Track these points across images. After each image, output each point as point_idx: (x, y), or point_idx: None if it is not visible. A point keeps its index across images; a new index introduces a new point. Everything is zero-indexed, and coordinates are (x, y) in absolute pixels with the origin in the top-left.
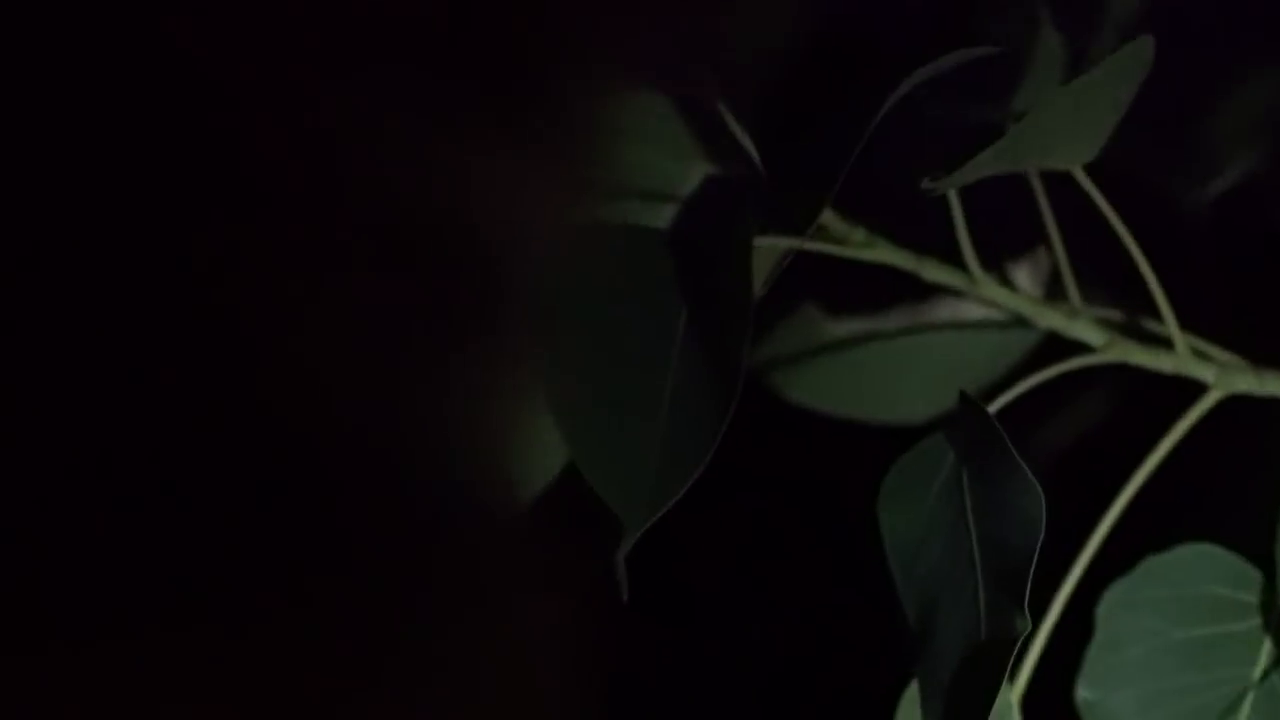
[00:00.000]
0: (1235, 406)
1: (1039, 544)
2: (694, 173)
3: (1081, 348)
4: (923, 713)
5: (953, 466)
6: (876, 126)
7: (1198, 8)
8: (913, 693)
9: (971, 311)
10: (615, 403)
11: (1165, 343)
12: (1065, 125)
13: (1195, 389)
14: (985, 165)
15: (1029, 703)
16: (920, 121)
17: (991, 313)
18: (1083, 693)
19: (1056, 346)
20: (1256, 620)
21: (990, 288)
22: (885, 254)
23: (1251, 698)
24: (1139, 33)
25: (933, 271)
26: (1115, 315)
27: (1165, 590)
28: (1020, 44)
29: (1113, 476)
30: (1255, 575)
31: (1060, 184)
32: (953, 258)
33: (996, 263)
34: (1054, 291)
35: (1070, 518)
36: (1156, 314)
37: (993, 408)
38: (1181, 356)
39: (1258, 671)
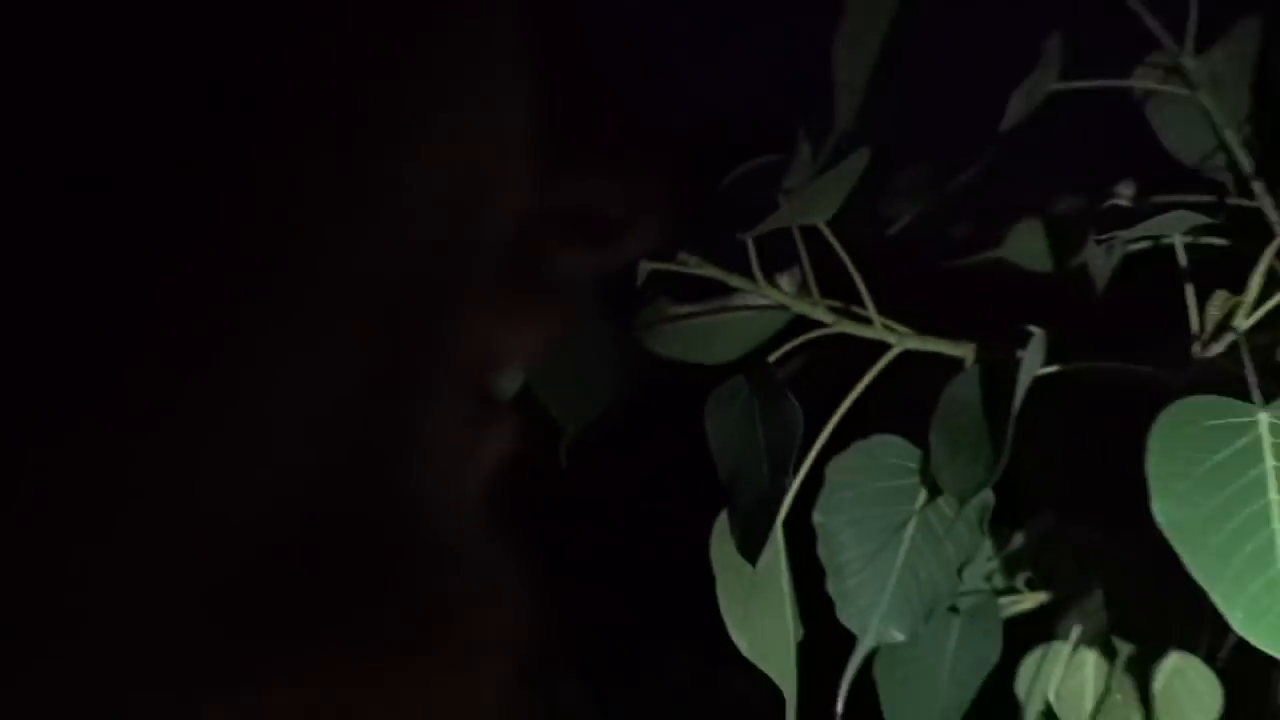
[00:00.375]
0: (910, 363)
1: (798, 436)
2: None
3: (819, 324)
4: (733, 536)
5: (748, 392)
6: (713, 199)
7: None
8: (722, 526)
9: (757, 301)
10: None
11: (868, 321)
12: (813, 201)
13: (885, 349)
14: (769, 224)
15: (788, 526)
16: (736, 198)
17: (767, 302)
18: (817, 517)
19: (805, 323)
20: (917, 478)
21: (767, 288)
22: (709, 270)
23: (915, 520)
24: (859, 143)
25: (735, 280)
26: (839, 304)
27: (865, 460)
28: (792, 152)
29: (837, 399)
30: (917, 452)
31: (810, 231)
32: (747, 272)
33: (771, 274)
34: (804, 291)
35: (815, 422)
36: (863, 304)
37: (770, 359)
38: (877, 328)
39: (917, 505)
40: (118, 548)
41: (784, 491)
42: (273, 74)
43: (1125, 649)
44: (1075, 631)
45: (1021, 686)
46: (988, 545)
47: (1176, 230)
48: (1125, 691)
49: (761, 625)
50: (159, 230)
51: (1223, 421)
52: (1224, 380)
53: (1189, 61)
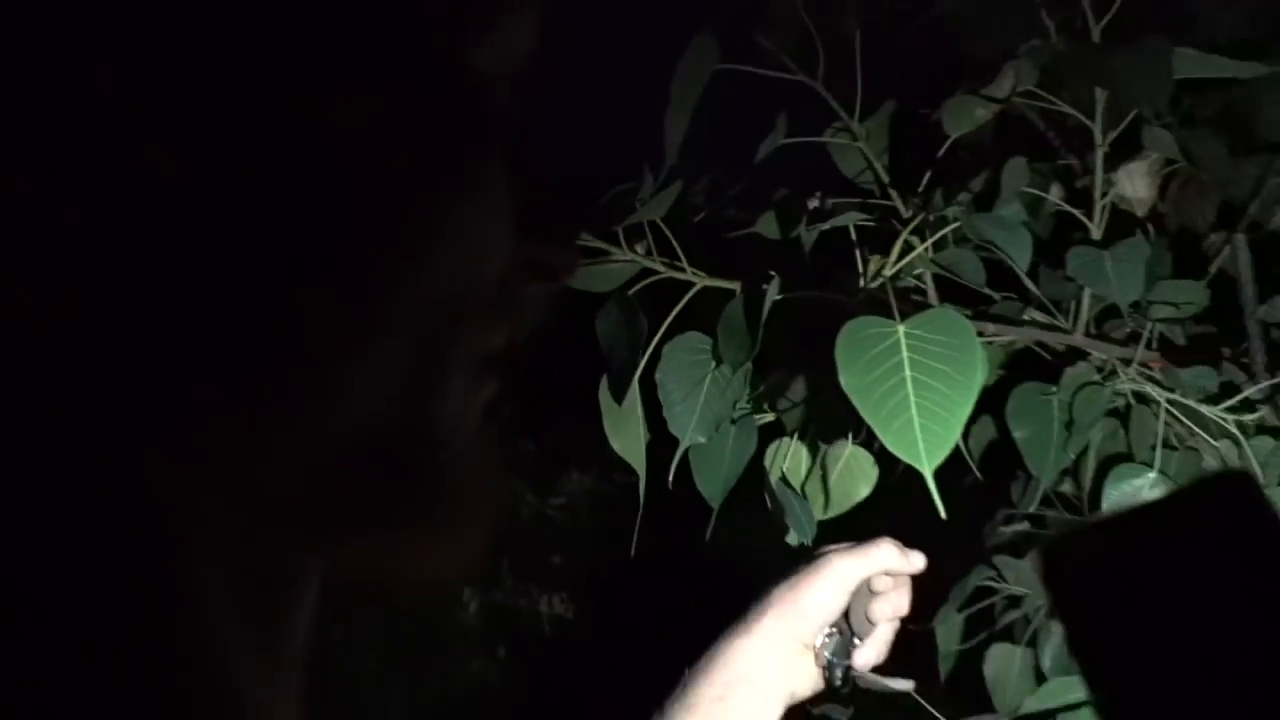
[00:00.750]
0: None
1: (644, 332)
2: None
3: (657, 271)
4: (609, 387)
5: (618, 308)
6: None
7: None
8: (604, 385)
9: (623, 258)
10: None
11: (683, 269)
12: (652, 209)
13: (692, 285)
14: (631, 220)
15: (643, 383)
16: (611, 206)
17: (629, 259)
18: (657, 376)
19: (649, 272)
20: (710, 355)
21: (629, 252)
22: (597, 243)
23: (709, 377)
24: (676, 172)
25: (611, 247)
26: (668, 260)
27: (683, 345)
28: (642, 180)
29: (668, 314)
30: (710, 341)
31: (652, 222)
32: (618, 243)
33: (632, 245)
34: (649, 254)
35: (656, 326)
36: (682, 260)
37: (630, 292)
38: (688, 274)
39: (710, 369)
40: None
41: (636, 363)
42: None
43: (824, 444)
44: (796, 432)
45: (768, 463)
46: (747, 391)
47: (851, 221)
48: (824, 466)
49: (626, 434)
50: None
51: (877, 331)
52: (880, 307)
53: (855, 127)
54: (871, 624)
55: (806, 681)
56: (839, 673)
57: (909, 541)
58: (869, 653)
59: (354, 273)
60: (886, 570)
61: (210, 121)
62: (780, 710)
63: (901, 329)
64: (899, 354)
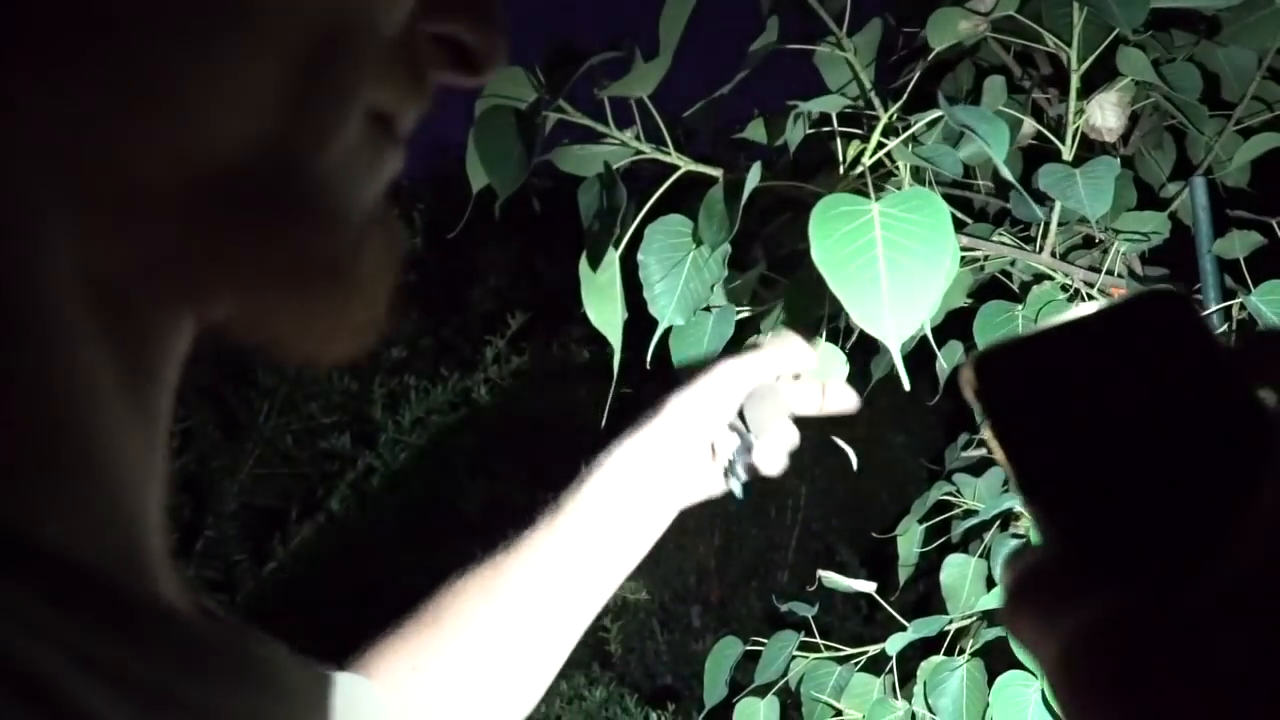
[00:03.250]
0: (690, 179)
1: (624, 203)
2: None
3: (643, 154)
4: (587, 256)
5: (599, 184)
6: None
7: None
8: (583, 258)
9: (612, 141)
10: None
11: (669, 154)
12: (640, 81)
13: (677, 169)
14: (615, 90)
15: (624, 261)
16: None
17: (616, 142)
18: (639, 256)
19: (637, 154)
20: (690, 236)
21: (617, 133)
22: (585, 120)
23: (689, 258)
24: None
25: (600, 127)
26: (655, 145)
27: (664, 226)
28: (631, 55)
29: (653, 192)
30: (690, 223)
31: (639, 102)
32: (606, 122)
33: (621, 126)
34: (636, 137)
35: (640, 205)
36: (668, 145)
37: (615, 169)
38: (674, 158)
39: (690, 251)
40: None
41: (613, 232)
42: None
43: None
44: (771, 321)
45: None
46: (725, 275)
47: (833, 108)
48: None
49: (604, 308)
50: None
51: (852, 208)
52: (859, 190)
53: (845, 41)
54: (768, 426)
55: (704, 481)
56: (738, 469)
57: (880, 465)
58: (765, 450)
59: None
60: (782, 369)
61: None
62: (675, 507)
63: (876, 206)
64: (872, 230)
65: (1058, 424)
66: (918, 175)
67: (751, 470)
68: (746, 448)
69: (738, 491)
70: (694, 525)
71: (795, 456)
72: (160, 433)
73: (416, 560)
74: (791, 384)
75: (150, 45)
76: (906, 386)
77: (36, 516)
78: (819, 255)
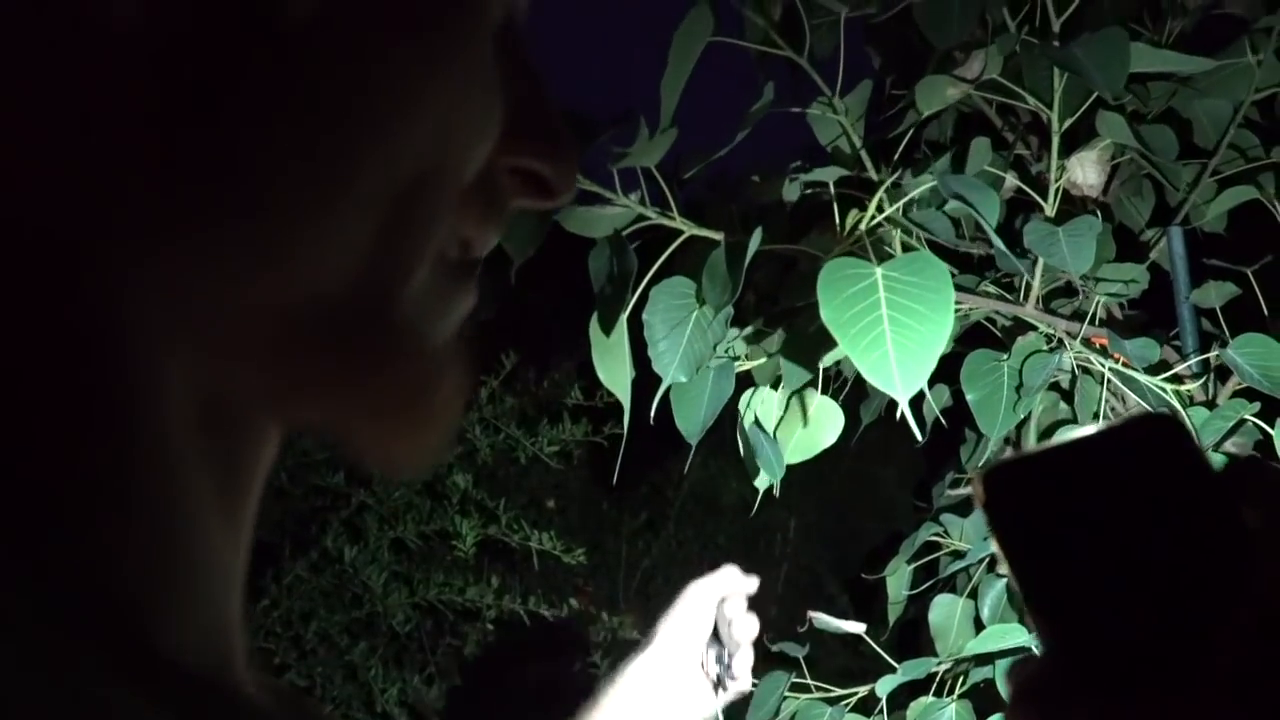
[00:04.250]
0: (693, 242)
1: (634, 271)
2: None
3: (648, 219)
4: (598, 321)
5: (609, 249)
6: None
7: None
8: (593, 321)
9: (618, 204)
10: None
11: (673, 218)
12: (647, 153)
13: (681, 233)
14: (625, 162)
15: (631, 321)
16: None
17: (623, 206)
18: (645, 316)
19: (642, 218)
20: (694, 298)
21: (623, 199)
22: (593, 186)
23: (692, 318)
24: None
25: (607, 193)
26: (660, 210)
27: (669, 288)
28: (636, 127)
29: (659, 256)
30: (694, 285)
31: (645, 169)
32: (613, 188)
33: (626, 191)
34: (642, 201)
35: (647, 266)
36: (673, 210)
37: (623, 234)
38: (678, 222)
39: (694, 311)
40: None
41: (624, 298)
42: None
43: (793, 391)
44: (770, 380)
45: (742, 407)
46: (728, 334)
47: (830, 177)
48: (795, 412)
49: (613, 368)
50: None
51: (857, 271)
52: (859, 254)
53: (837, 103)
54: (737, 641)
55: (699, 692)
56: (723, 680)
57: (867, 498)
58: (742, 662)
59: (307, 134)
60: (731, 591)
61: None
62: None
63: (879, 270)
64: (876, 293)
65: (1058, 540)
66: (908, 230)
67: (729, 680)
68: (728, 662)
69: (721, 689)
70: (682, 559)
71: (784, 491)
72: (246, 539)
73: (410, 597)
74: (736, 608)
75: (270, 212)
76: (919, 438)
77: (152, 630)
78: (828, 317)
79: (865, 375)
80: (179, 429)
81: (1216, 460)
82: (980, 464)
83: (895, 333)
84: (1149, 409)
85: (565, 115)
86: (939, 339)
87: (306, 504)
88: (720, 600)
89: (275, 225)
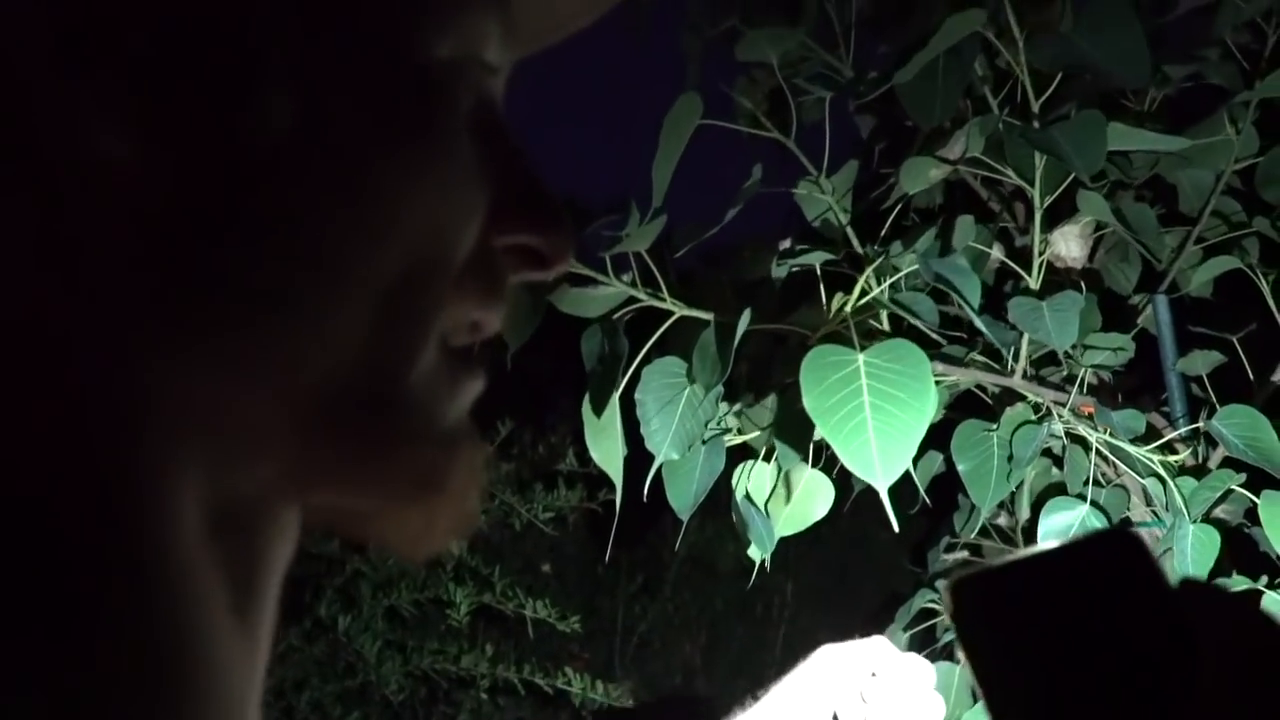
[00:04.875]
0: (684, 322)
1: (624, 353)
2: None
3: (639, 300)
4: (590, 402)
5: (601, 332)
6: (587, 235)
7: None
8: (585, 401)
9: (610, 287)
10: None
11: (663, 299)
12: (638, 239)
13: (671, 314)
14: (617, 249)
15: (624, 401)
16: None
17: (615, 288)
18: (637, 395)
19: (633, 300)
20: (685, 377)
21: (615, 281)
22: (585, 270)
23: (684, 397)
24: (659, 212)
25: (599, 276)
26: (651, 290)
27: (660, 368)
28: (628, 214)
29: (649, 337)
30: (685, 364)
31: (637, 253)
32: (605, 271)
33: (618, 274)
34: (633, 284)
35: (638, 348)
36: (662, 291)
37: (614, 317)
38: (669, 303)
39: (685, 390)
40: None
41: (615, 380)
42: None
43: (785, 465)
44: (761, 455)
45: (734, 483)
46: (719, 411)
47: (817, 260)
48: (785, 487)
49: (605, 447)
50: None
51: (839, 358)
52: (841, 340)
53: (823, 182)
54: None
55: None
56: None
57: (866, 560)
58: None
59: (299, 239)
60: (875, 667)
61: (154, 90)
62: None
63: (861, 357)
64: (858, 380)
65: (1020, 649)
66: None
67: None
68: None
69: None
70: (680, 623)
71: (781, 553)
72: (264, 646)
73: (404, 666)
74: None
75: (269, 316)
76: (895, 528)
77: None
78: (810, 404)
79: (846, 463)
80: (190, 542)
81: (1172, 578)
82: (972, 535)
83: (877, 420)
84: (1112, 525)
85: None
86: (919, 426)
87: (300, 570)
88: (867, 674)
89: (276, 328)
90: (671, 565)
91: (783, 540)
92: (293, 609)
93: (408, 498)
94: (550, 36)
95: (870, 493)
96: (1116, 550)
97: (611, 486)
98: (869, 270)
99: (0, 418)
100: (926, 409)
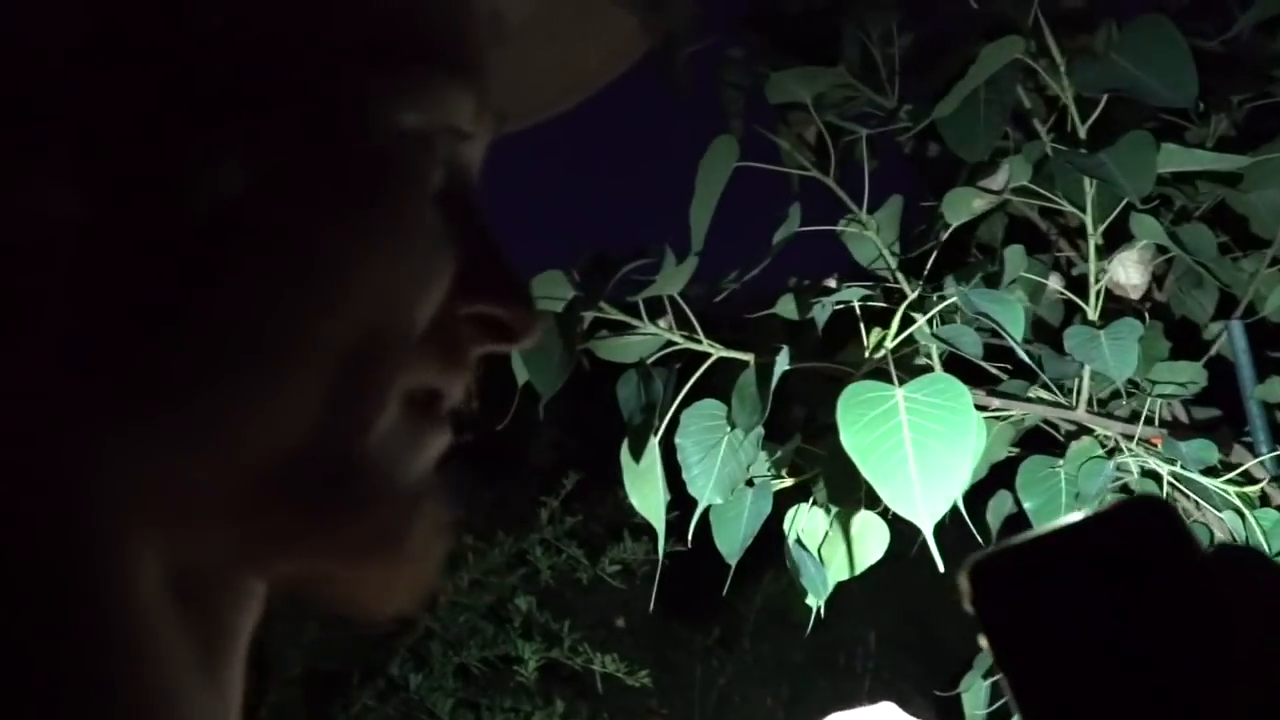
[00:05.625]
0: (722, 364)
1: (660, 397)
2: None
3: (676, 344)
4: (629, 448)
5: (637, 376)
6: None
7: None
8: (624, 448)
9: (646, 331)
10: None
11: (700, 341)
12: (671, 282)
13: (709, 356)
14: (649, 292)
15: (664, 445)
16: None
17: (651, 332)
18: (677, 440)
19: (670, 344)
20: (724, 420)
21: (650, 326)
22: (620, 315)
23: (724, 441)
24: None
25: (634, 321)
26: (687, 334)
27: (699, 411)
28: (661, 257)
29: (686, 380)
30: (724, 408)
31: (670, 297)
32: (639, 316)
33: (654, 318)
34: (670, 328)
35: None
36: (698, 334)
37: (649, 361)
38: (705, 345)
39: (725, 434)
40: None
41: (652, 425)
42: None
43: (836, 509)
44: (812, 499)
45: (786, 526)
46: (762, 454)
47: (855, 298)
48: (838, 530)
49: (645, 493)
50: None
51: (877, 394)
52: (883, 377)
53: (864, 218)
54: None
55: None
56: None
57: (950, 607)
58: None
59: (248, 308)
60: None
61: (117, 152)
62: None
63: (900, 392)
64: (897, 415)
65: (1045, 631)
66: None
67: None
68: None
69: None
70: (759, 677)
71: (861, 602)
72: (234, 704)
73: None
74: None
75: (219, 386)
76: (940, 568)
77: None
78: (848, 442)
79: (888, 502)
80: (149, 600)
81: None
82: (968, 558)
83: (918, 455)
84: (1141, 494)
85: (591, 254)
86: (963, 461)
87: (373, 631)
88: None
89: (223, 399)
90: (747, 617)
91: (862, 589)
92: (366, 669)
93: (369, 557)
94: (540, 114)
95: (949, 534)
96: (1144, 519)
97: (680, 537)
98: (903, 306)
99: None
100: (969, 443)
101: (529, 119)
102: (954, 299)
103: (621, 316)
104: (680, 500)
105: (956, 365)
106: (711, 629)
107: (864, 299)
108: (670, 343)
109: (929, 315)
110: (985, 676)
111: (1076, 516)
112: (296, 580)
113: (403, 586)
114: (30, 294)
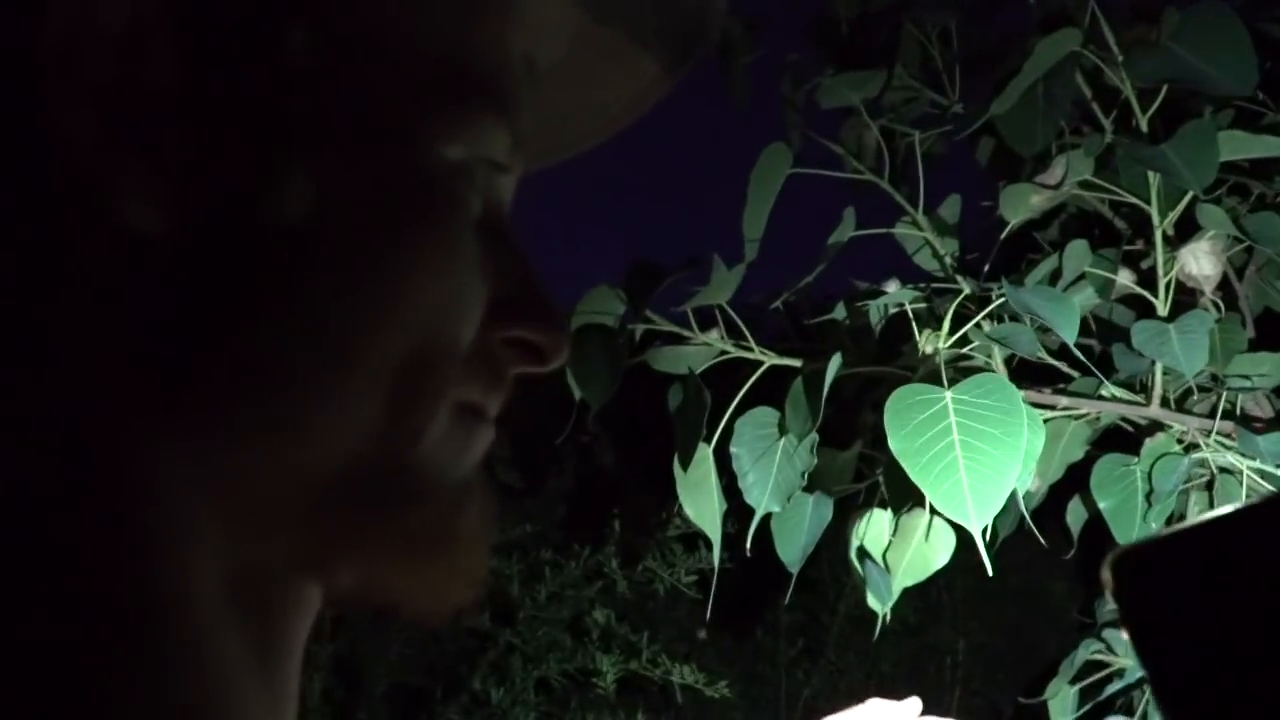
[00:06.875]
0: (775, 371)
1: (707, 408)
2: None
3: (727, 353)
4: (679, 458)
5: (687, 387)
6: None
7: None
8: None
9: (697, 342)
10: None
11: (751, 350)
12: (720, 290)
13: (760, 365)
14: (698, 300)
15: (718, 454)
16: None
17: (701, 342)
18: (731, 448)
19: (722, 353)
20: (777, 428)
21: (702, 335)
22: (671, 326)
23: (779, 447)
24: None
25: (685, 332)
26: (737, 343)
27: (753, 418)
28: (709, 266)
29: (738, 389)
30: (777, 414)
31: (720, 306)
32: (689, 326)
33: (705, 328)
34: (720, 337)
35: (729, 401)
36: (750, 343)
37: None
38: (756, 354)
39: (780, 440)
40: None
41: (700, 433)
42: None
43: (901, 513)
44: (876, 503)
45: (849, 533)
46: (815, 460)
47: (906, 299)
48: (903, 536)
49: (699, 503)
50: None
51: (925, 397)
52: (935, 376)
53: (920, 219)
54: None
55: None
56: None
57: (1039, 615)
58: None
59: (311, 323)
60: None
61: (176, 175)
62: None
63: (949, 394)
64: (946, 418)
65: (1191, 629)
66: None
67: None
68: None
69: None
70: (846, 688)
71: (950, 611)
72: (288, 708)
73: None
74: None
75: (282, 394)
76: (990, 571)
77: None
78: (896, 447)
79: (936, 505)
80: (212, 603)
81: None
82: (1112, 549)
83: (968, 458)
84: None
85: (637, 264)
86: (1014, 463)
87: (456, 645)
88: None
89: (287, 405)
90: (831, 627)
91: (951, 597)
92: (449, 684)
93: (421, 555)
94: (568, 151)
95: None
96: None
97: (750, 544)
98: (953, 306)
99: (17, 479)
100: (1020, 445)
101: (559, 156)
102: (1003, 299)
103: (673, 328)
104: (743, 510)
105: (1028, 365)
106: (795, 640)
107: (915, 300)
108: (723, 352)
109: (982, 315)
110: (1072, 683)
111: (1229, 509)
112: (353, 583)
113: (458, 577)
114: (110, 303)
